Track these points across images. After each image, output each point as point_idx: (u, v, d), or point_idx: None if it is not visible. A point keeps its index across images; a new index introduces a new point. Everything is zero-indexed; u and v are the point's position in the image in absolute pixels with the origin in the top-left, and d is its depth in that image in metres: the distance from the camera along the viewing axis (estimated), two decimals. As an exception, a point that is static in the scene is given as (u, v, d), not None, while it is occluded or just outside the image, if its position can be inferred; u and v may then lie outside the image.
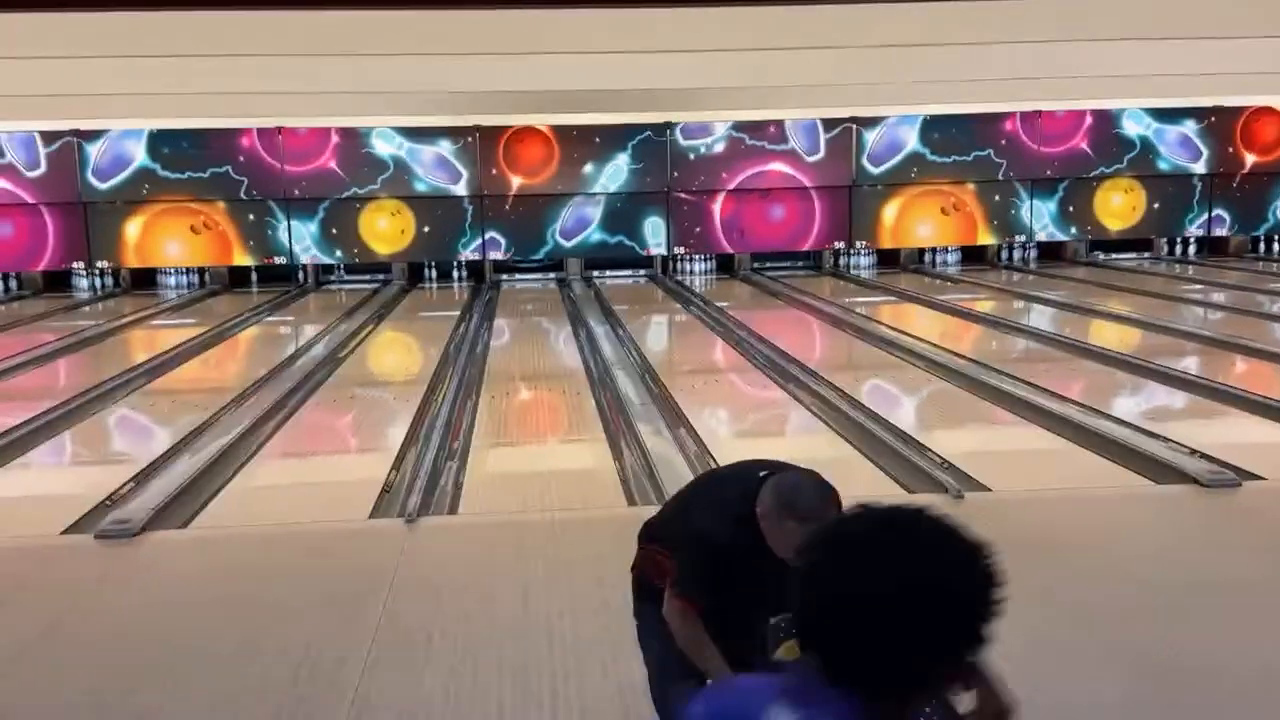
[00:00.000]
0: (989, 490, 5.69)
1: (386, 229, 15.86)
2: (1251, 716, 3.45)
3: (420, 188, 15.75)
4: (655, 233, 16.18)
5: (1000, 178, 16.45)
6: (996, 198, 16.57)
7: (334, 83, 10.36)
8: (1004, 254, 17.11)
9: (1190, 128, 16.60)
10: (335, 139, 15.50)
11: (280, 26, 7.67)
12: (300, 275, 16.33)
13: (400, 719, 3.46)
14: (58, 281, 16.02)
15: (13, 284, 15.97)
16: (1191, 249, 17.45)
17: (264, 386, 8.88)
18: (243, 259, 15.86)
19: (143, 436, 7.90)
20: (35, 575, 4.74)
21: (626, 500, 5.76)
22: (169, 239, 15.65)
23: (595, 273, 16.53)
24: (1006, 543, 4.41)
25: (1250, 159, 16.82)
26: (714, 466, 2.94)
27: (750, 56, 9.16)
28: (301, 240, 15.75)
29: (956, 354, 9.66)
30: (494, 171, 15.80)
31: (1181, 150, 16.68)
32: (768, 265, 16.84)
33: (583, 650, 3.87)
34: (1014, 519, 5.13)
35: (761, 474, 2.62)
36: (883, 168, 16.28)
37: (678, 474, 5.92)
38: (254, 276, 16.39)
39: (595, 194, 15.98)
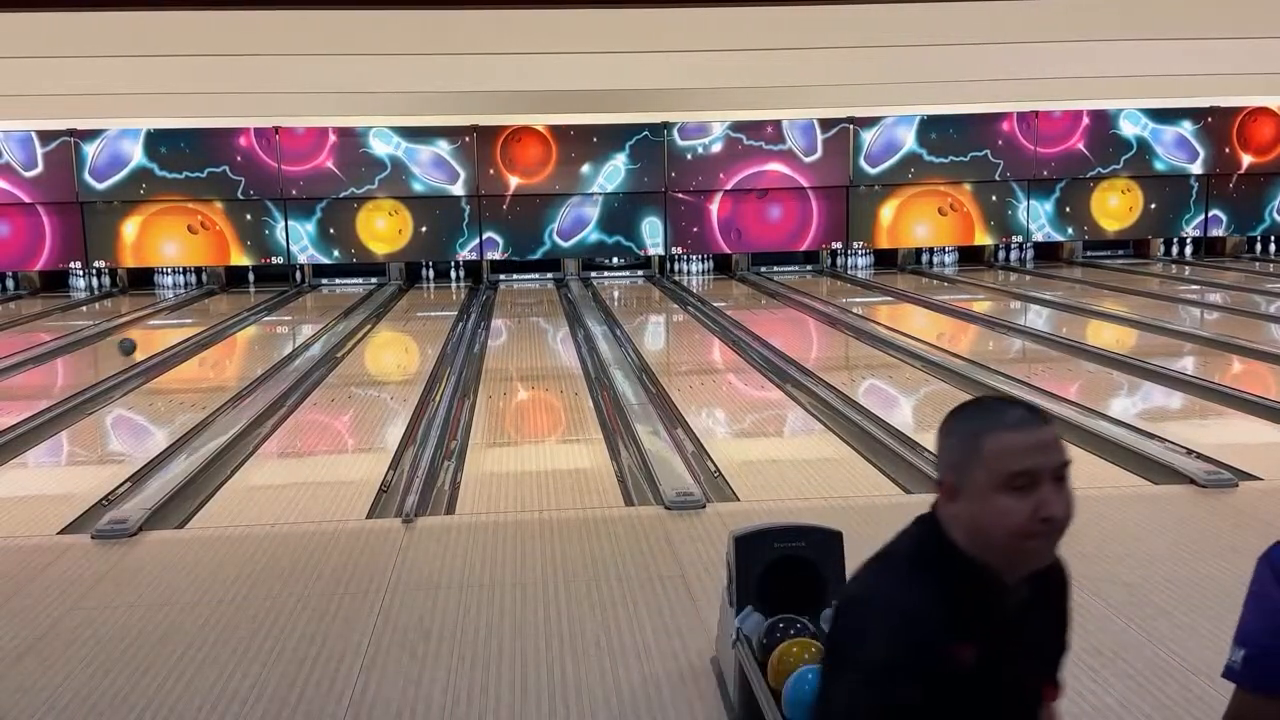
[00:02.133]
0: (986, 490, 5.69)
1: (384, 229, 15.86)
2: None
3: (418, 187, 15.75)
4: (653, 233, 16.19)
5: (997, 178, 16.47)
6: (993, 198, 16.60)
7: (332, 83, 10.36)
8: (1001, 254, 17.13)
9: (1187, 128, 16.63)
10: (332, 139, 15.50)
11: (279, 26, 7.67)
12: (298, 275, 16.33)
13: (398, 718, 3.46)
14: (55, 281, 16.02)
15: (9, 284, 15.97)
16: (1188, 249, 17.47)
17: (261, 386, 8.88)
18: (240, 259, 15.85)
19: (140, 436, 7.89)
20: (32, 575, 4.74)
21: (624, 500, 5.77)
22: (166, 239, 15.64)
23: (594, 273, 16.55)
24: (1004, 543, 4.35)
25: (1247, 160, 16.85)
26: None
27: (749, 56, 9.16)
28: (299, 240, 15.75)
29: (954, 354, 9.67)
30: (491, 171, 15.81)
31: (1178, 151, 16.71)
32: (765, 265, 16.87)
33: (580, 650, 3.87)
34: (1011, 519, 5.13)
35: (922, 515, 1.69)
36: (880, 168, 16.30)
37: (675, 474, 5.93)
38: (251, 276, 16.40)
39: (593, 194, 15.99)
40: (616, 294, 15.18)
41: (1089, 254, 17.26)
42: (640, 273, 16.65)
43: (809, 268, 17.01)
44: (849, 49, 8.98)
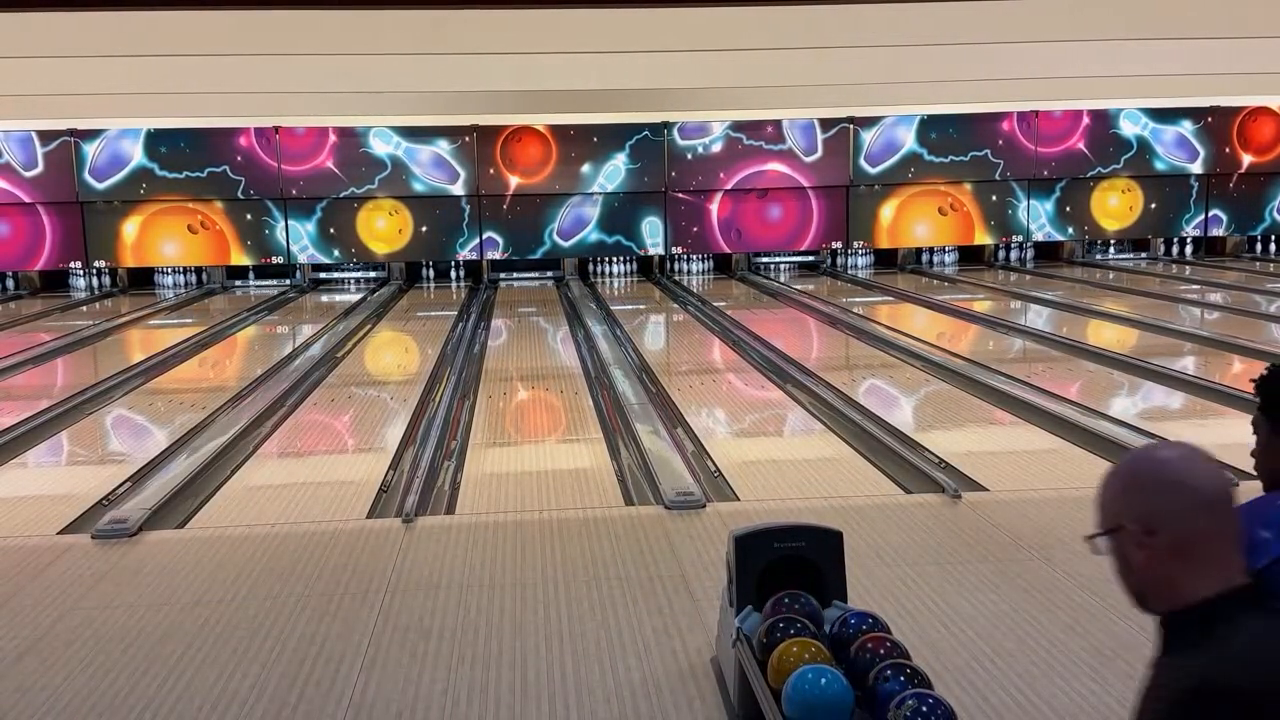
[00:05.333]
0: (986, 490, 5.70)
1: (384, 229, 15.86)
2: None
3: (418, 187, 15.75)
4: (653, 232, 16.19)
5: (997, 178, 16.47)
6: (994, 198, 16.59)
7: (332, 83, 10.36)
8: (1001, 254, 17.13)
9: (1187, 128, 16.62)
10: (333, 138, 15.49)
11: (279, 26, 7.67)
12: (298, 275, 16.32)
13: (398, 718, 3.46)
14: (55, 281, 16.02)
15: (10, 284, 15.97)
16: (1188, 249, 17.47)
17: (261, 386, 8.88)
18: (240, 259, 15.85)
19: (140, 436, 7.89)
20: (32, 575, 4.74)
21: (624, 500, 5.76)
22: (166, 239, 15.64)
23: (595, 261, 16.52)
24: (1003, 543, 4.42)
25: (1247, 159, 16.84)
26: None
27: (750, 56, 9.16)
28: (299, 240, 15.75)
29: (954, 354, 9.67)
30: (491, 171, 15.81)
31: (1178, 150, 16.71)
32: (765, 265, 16.86)
33: (580, 650, 3.87)
34: (1010, 519, 5.14)
35: None
36: (880, 168, 16.29)
37: (675, 474, 5.93)
38: (251, 276, 16.40)
39: (593, 194, 15.99)
40: (616, 294, 15.18)
41: (1089, 253, 17.29)
42: (641, 256, 16.65)
43: (809, 267, 17.01)
44: (849, 49, 8.98)
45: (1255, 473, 2.08)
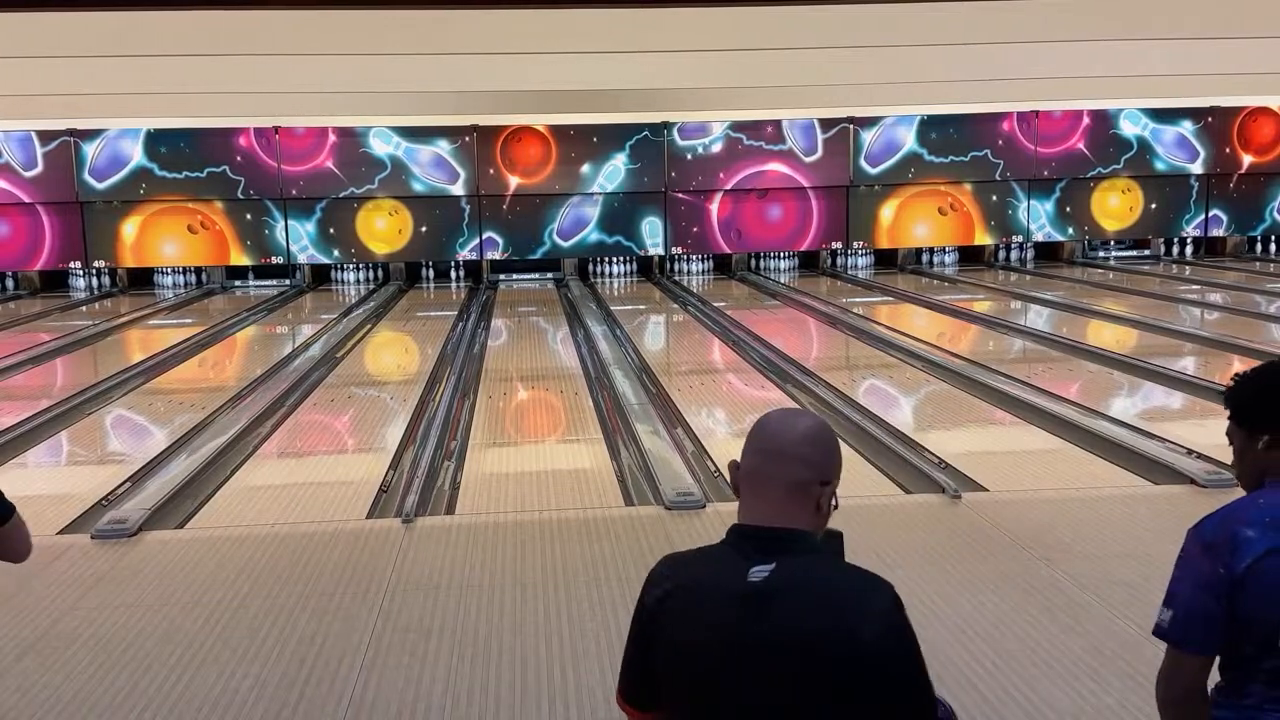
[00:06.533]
0: (986, 490, 5.70)
1: (384, 229, 15.86)
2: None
3: (418, 187, 15.75)
4: (653, 233, 16.19)
5: (997, 178, 16.48)
6: (994, 198, 16.60)
7: (332, 83, 10.36)
8: (1001, 254, 17.13)
9: (1187, 128, 16.63)
10: (332, 138, 15.49)
11: (279, 26, 7.66)
12: (298, 275, 16.32)
13: (398, 718, 3.46)
14: (55, 281, 16.02)
15: (9, 284, 15.97)
16: (1188, 249, 17.47)
17: (261, 386, 8.88)
18: (240, 259, 15.85)
19: (139, 436, 7.89)
20: (32, 575, 4.73)
21: (624, 500, 5.76)
22: (166, 239, 15.65)
23: (595, 262, 16.52)
24: (1003, 543, 4.41)
25: (1247, 159, 16.85)
26: None
27: (749, 56, 9.16)
28: (299, 240, 15.75)
29: (954, 354, 9.67)
30: (491, 171, 15.81)
31: (1179, 150, 16.71)
32: (765, 265, 16.87)
33: (581, 650, 3.87)
34: (1011, 519, 5.14)
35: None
36: (880, 168, 16.30)
37: (675, 474, 5.93)
38: (251, 276, 16.40)
39: (593, 194, 15.99)
40: (616, 294, 15.18)
41: (1089, 253, 17.30)
42: (642, 255, 16.65)
43: (808, 267, 17.00)
44: (849, 49, 8.98)
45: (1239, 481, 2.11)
